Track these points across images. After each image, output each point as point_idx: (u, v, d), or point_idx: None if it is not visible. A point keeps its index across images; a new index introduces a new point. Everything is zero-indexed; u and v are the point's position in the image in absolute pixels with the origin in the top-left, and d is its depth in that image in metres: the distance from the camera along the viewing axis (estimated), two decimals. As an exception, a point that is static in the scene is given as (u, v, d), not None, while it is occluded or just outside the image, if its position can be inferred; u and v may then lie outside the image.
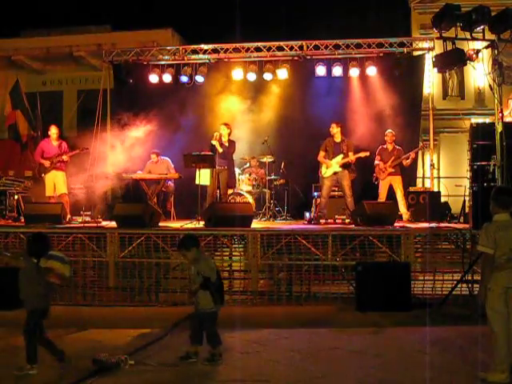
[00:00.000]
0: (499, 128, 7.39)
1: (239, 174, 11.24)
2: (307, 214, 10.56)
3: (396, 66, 11.93)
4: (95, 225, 8.83)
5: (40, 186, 10.51)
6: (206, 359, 4.88)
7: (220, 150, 10.01)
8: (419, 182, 13.76)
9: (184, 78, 12.28)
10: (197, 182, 9.45)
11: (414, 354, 5.23)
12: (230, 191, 10.49)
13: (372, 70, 11.78)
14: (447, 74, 17.81)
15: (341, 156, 9.68)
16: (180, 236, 7.57)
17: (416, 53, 12.31)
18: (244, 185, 11.27)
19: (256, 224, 8.97)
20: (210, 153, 9.78)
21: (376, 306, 6.80)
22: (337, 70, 11.90)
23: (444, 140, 18.27)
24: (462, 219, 9.69)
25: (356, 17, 19.87)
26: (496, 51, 7.41)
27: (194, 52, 12.50)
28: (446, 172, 17.16)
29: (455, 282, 7.21)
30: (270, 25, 20.39)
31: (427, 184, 13.12)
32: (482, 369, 4.46)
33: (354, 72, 11.85)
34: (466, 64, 7.92)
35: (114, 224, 8.37)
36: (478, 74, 16.87)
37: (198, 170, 9.45)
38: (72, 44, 18.16)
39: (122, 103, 12.42)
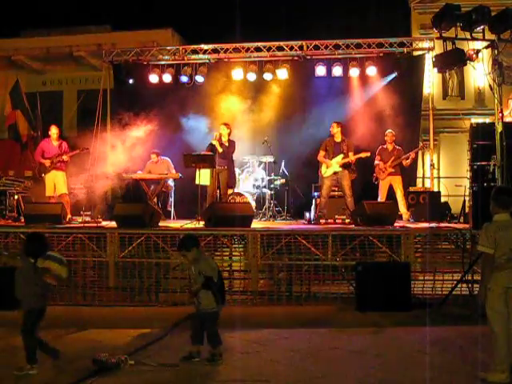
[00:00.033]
0: (499, 128, 7.39)
1: (239, 174, 11.24)
2: (307, 214, 10.56)
3: (396, 65, 11.93)
4: (95, 225, 8.83)
5: (40, 186, 10.51)
6: (206, 359, 4.88)
7: (220, 149, 10.01)
8: (419, 181, 13.76)
9: (184, 78, 12.29)
10: (197, 182, 9.45)
11: (414, 354, 5.23)
12: (229, 191, 10.48)
13: (372, 70, 11.79)
14: (447, 74, 17.80)
15: (341, 156, 9.69)
16: (180, 236, 7.59)
17: (416, 53, 12.31)
18: (244, 185, 11.27)
19: (256, 224, 8.97)
20: (210, 153, 9.78)
21: (376, 305, 6.80)
22: (337, 70, 11.90)
23: (444, 140, 18.27)
24: (462, 219, 9.69)
25: (356, 17, 19.87)
26: (496, 51, 7.40)
27: (194, 52, 12.51)
28: (445, 172, 17.16)
29: (455, 282, 7.21)
30: (270, 25, 20.39)
31: (427, 184, 13.12)
32: (482, 369, 4.46)
33: (354, 72, 11.85)
34: (465, 64, 7.92)
35: (114, 224, 8.37)
36: (478, 74, 16.86)
37: (198, 170, 9.45)
38: (72, 44, 18.16)
39: (122, 103, 12.42)
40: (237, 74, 12.09)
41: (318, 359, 5.11)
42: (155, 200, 10.67)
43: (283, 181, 11.35)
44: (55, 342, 5.49)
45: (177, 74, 12.32)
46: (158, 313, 7.17)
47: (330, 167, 9.74)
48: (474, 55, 7.71)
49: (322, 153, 9.84)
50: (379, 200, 10.09)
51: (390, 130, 10.59)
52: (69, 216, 9.67)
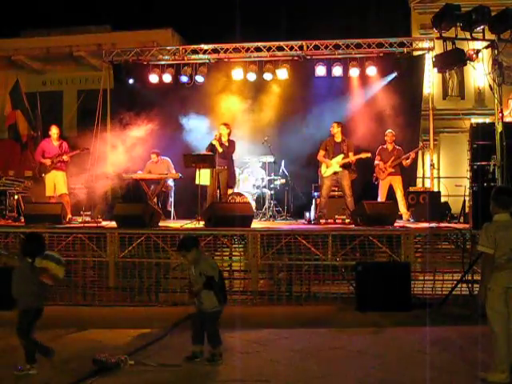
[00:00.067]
0: (499, 128, 7.39)
1: (239, 174, 11.24)
2: (307, 214, 10.56)
3: (396, 65, 11.93)
4: (95, 225, 8.83)
5: (40, 186, 10.51)
6: (206, 359, 4.88)
7: (220, 149, 10.01)
8: (419, 181, 13.76)
9: (184, 78, 12.29)
10: (197, 182, 9.45)
11: (414, 354, 5.23)
12: (229, 191, 10.49)
13: (372, 70, 11.79)
14: (447, 74, 17.80)
15: (341, 156, 9.69)
16: (180, 236, 7.59)
17: (416, 53, 12.31)
18: (244, 185, 11.27)
19: (256, 224, 8.97)
20: (210, 153, 9.78)
21: (376, 306, 6.80)
22: (337, 70, 11.90)
23: (444, 140, 18.26)
24: (462, 219, 9.68)
25: (356, 17, 19.89)
26: (496, 51, 7.40)
27: (194, 52, 12.50)
28: (445, 172, 17.16)
29: (455, 282, 7.21)
30: (270, 25, 20.42)
31: (427, 184, 13.12)
32: (482, 369, 4.46)
33: (354, 72, 11.85)
34: (465, 64, 7.92)
35: (114, 224, 8.37)
36: (478, 74, 16.87)
37: (198, 170, 9.45)
38: (72, 44, 18.15)
39: (122, 103, 12.42)
40: (237, 74, 12.09)
41: (318, 359, 5.10)
42: (155, 200, 10.67)
43: (283, 181, 11.35)
44: (55, 341, 5.51)
45: (177, 74, 12.32)
46: (158, 313, 7.17)
47: (330, 167, 9.74)
48: (474, 55, 7.71)
49: (321, 152, 9.84)
50: (379, 200, 10.09)
51: (389, 130, 10.59)
52: (69, 216, 9.67)
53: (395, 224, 8.41)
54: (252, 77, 12.09)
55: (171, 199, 11.29)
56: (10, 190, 10.95)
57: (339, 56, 11.96)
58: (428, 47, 11.78)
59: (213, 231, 7.90)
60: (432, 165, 12.16)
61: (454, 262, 7.61)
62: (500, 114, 7.57)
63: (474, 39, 7.59)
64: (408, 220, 9.84)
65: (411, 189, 10.72)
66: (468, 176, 7.98)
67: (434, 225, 8.60)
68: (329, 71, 11.92)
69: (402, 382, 4.52)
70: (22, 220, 9.23)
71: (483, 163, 7.47)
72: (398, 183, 10.23)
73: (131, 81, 12.73)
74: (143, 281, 7.84)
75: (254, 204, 10.80)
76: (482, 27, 7.43)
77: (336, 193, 10.55)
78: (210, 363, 4.84)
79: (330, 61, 11.96)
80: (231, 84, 12.23)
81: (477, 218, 7.18)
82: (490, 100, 12.99)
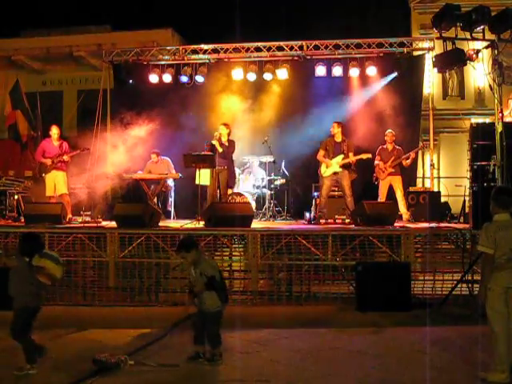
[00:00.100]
0: (499, 128, 7.39)
1: (239, 174, 11.24)
2: (307, 214, 10.55)
3: (396, 65, 11.93)
4: (95, 225, 8.83)
5: (40, 186, 10.51)
6: (206, 359, 4.88)
7: (220, 149, 10.02)
8: (419, 181, 13.76)
9: (184, 78, 12.29)
10: (197, 182, 9.45)
11: (413, 354, 5.24)
12: (229, 191, 10.49)
13: (372, 70, 11.79)
14: (447, 74, 17.81)
15: (341, 156, 9.69)
16: (180, 236, 7.60)
17: (416, 53, 12.31)
18: (244, 185, 11.27)
19: (256, 224, 8.97)
20: (210, 153, 9.78)
21: (376, 306, 6.80)
22: (337, 70, 11.90)
23: (444, 140, 18.27)
24: (462, 219, 9.69)
25: (356, 17, 19.87)
26: (496, 51, 7.40)
27: (194, 52, 12.50)
28: (445, 172, 17.17)
29: (455, 282, 7.21)
30: (270, 25, 20.42)
31: (427, 184, 13.12)
32: (482, 369, 4.46)
33: (354, 72, 11.85)
34: (465, 64, 7.92)
35: (114, 224, 8.37)
36: (478, 74, 16.87)
37: (198, 170, 9.45)
38: (72, 44, 18.16)
39: (122, 103, 12.41)
40: (237, 74, 12.09)
41: (318, 359, 5.11)
42: (155, 200, 10.68)
43: (283, 181, 11.35)
44: (55, 342, 5.52)
45: (177, 74, 12.32)
46: (158, 313, 7.17)
47: (330, 167, 9.74)
48: (474, 55, 7.71)
49: (321, 152, 9.84)
50: (379, 200, 10.08)
51: (390, 130, 10.58)
52: (69, 216, 9.67)
53: (395, 224, 8.41)
54: (252, 77, 12.09)
55: (171, 199, 11.29)
56: (10, 190, 10.96)
57: (339, 56, 11.95)
58: (428, 47, 11.78)
59: (213, 231, 7.90)
60: (432, 165, 12.16)
61: (454, 262, 7.61)
62: (500, 114, 7.57)
63: (474, 39, 7.58)
64: (408, 220, 9.84)
65: (411, 189, 10.72)
66: (468, 176, 7.98)
67: (434, 225, 8.60)
68: (329, 71, 11.92)
69: (402, 381, 4.52)
70: (22, 220, 9.23)
71: (483, 163, 7.47)
72: (398, 183, 10.23)
73: (131, 81, 12.74)
74: (143, 281, 7.84)
75: (253, 204, 10.79)
76: (482, 27, 7.43)
77: (336, 193, 10.55)
78: (210, 363, 4.83)
79: (329, 61, 11.95)
80: (231, 84, 12.22)
81: (477, 218, 7.18)
82: (490, 100, 12.99)
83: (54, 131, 10.23)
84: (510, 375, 4.27)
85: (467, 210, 9.12)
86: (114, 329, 6.33)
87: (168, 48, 13.11)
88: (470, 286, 7.24)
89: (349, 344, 5.57)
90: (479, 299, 4.45)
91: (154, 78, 12.31)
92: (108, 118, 12.33)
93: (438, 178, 14.70)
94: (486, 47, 7.68)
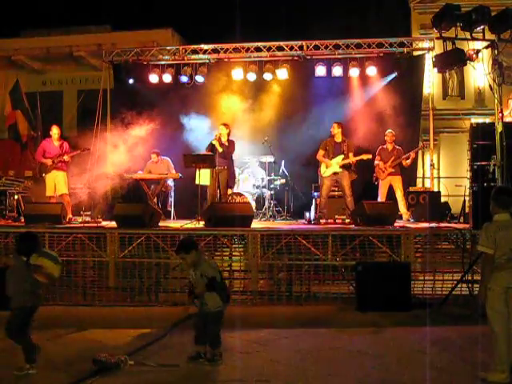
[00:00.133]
0: (499, 128, 7.39)
1: (239, 174, 11.24)
2: (307, 214, 10.55)
3: (396, 65, 11.93)
4: (95, 225, 8.83)
5: (40, 186, 10.52)
6: (206, 359, 4.87)
7: (220, 149, 10.02)
8: (419, 181, 13.77)
9: (184, 78, 12.29)
10: (197, 182, 9.45)
11: (413, 354, 5.24)
12: (229, 191, 10.49)
13: (372, 70, 11.79)
14: (447, 74, 17.81)
15: (341, 157, 9.69)
16: (180, 236, 7.60)
17: (416, 53, 12.31)
18: (244, 185, 11.27)
19: (256, 224, 8.97)
20: (210, 153, 9.78)
21: (376, 306, 6.80)
22: (337, 70, 11.91)
23: (444, 140, 18.28)
24: (462, 219, 9.69)
25: (356, 17, 19.87)
26: (496, 51, 7.40)
27: (194, 52, 12.50)
28: (445, 172, 17.18)
29: (455, 282, 7.21)
30: (270, 25, 20.43)
31: (427, 184, 13.12)
32: (482, 369, 4.46)
33: (354, 72, 11.85)
34: (465, 64, 7.91)
35: (114, 224, 8.37)
36: (478, 74, 16.88)
37: (198, 170, 9.45)
38: (72, 44, 18.17)
39: (122, 103, 12.41)
40: (237, 74, 12.09)
41: (318, 359, 5.10)
42: (155, 200, 10.68)
43: (283, 181, 11.35)
44: (55, 342, 5.52)
45: (177, 74, 12.32)
46: (158, 313, 7.16)
47: (330, 167, 9.75)
48: (474, 55, 7.71)
49: (321, 152, 9.84)
50: (379, 200, 10.09)
51: (390, 130, 10.58)
52: (69, 216, 9.67)
53: (395, 224, 8.41)
54: (252, 77, 12.10)
55: (171, 199, 11.30)
56: (10, 190, 10.96)
57: (339, 56, 11.96)
58: (428, 47, 11.78)
59: (213, 231, 7.90)
60: (432, 165, 12.16)
61: (454, 262, 7.61)
62: (500, 114, 7.57)
63: (474, 39, 7.58)
64: (408, 220, 9.84)
65: (411, 189, 10.72)
66: (468, 176, 7.98)
67: (434, 225, 8.60)
68: (329, 71, 11.92)
69: (402, 381, 4.52)
70: (22, 220, 9.23)
71: (483, 163, 7.47)
72: (398, 183, 10.23)
73: (131, 81, 12.73)
74: (143, 281, 7.84)
75: (253, 204, 10.79)
76: (482, 27, 7.43)
77: (336, 193, 10.55)
78: (210, 363, 4.83)
79: (329, 61, 11.96)
80: (231, 84, 12.22)
81: (477, 218, 7.18)
82: (490, 100, 13.00)
83: (55, 131, 10.23)
84: (510, 375, 4.27)
85: (467, 209, 9.12)
86: (114, 329, 6.33)
87: (168, 48, 13.10)
88: (470, 285, 7.24)
89: (349, 344, 5.57)
90: (479, 299, 4.44)
91: (153, 78, 12.31)
92: (108, 117, 12.33)
93: (438, 177, 14.71)
94: (486, 47, 7.68)
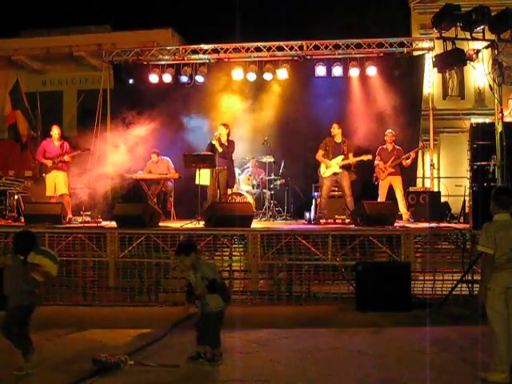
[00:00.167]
0: (499, 128, 7.39)
1: (239, 174, 11.24)
2: (307, 214, 10.55)
3: (396, 65, 11.93)
4: (95, 225, 8.82)
5: (40, 186, 10.52)
6: (206, 359, 4.87)
7: (220, 149, 10.02)
8: (419, 181, 13.77)
9: (184, 78, 12.29)
10: (197, 182, 9.45)
11: (413, 354, 5.24)
12: (229, 191, 10.49)
13: (372, 70, 11.79)
14: (447, 74, 17.82)
15: (341, 157, 9.69)
16: (180, 236, 7.60)
17: (416, 53, 12.31)
18: (244, 185, 11.27)
19: (256, 224, 8.97)
20: (210, 153, 9.78)
21: (376, 306, 6.80)
22: (337, 70, 11.90)
23: (444, 140, 18.28)
24: (462, 219, 9.69)
25: (356, 17, 19.86)
26: (496, 51, 7.41)
27: (194, 52, 12.50)
28: (445, 172, 17.18)
29: (455, 282, 7.21)
30: (270, 25, 20.43)
31: (427, 184, 13.12)
32: (482, 369, 4.47)
33: (354, 72, 11.85)
34: (465, 64, 7.92)
35: (114, 224, 8.37)
36: (478, 74, 16.88)
37: (198, 170, 9.45)
38: (72, 44, 18.17)
39: (122, 103, 12.41)
40: (237, 74, 12.09)
41: (318, 359, 5.10)
42: (155, 200, 10.67)
43: (283, 181, 11.35)
44: (55, 342, 5.52)
45: (177, 73, 12.32)
46: (158, 313, 7.16)
47: (330, 168, 9.74)
48: (474, 55, 7.71)
49: (321, 152, 9.84)
50: (379, 200, 10.09)
51: (389, 130, 10.58)
52: (69, 216, 9.67)
53: (395, 224, 8.41)
54: (252, 77, 12.09)
55: (171, 199, 11.29)
56: (10, 190, 10.96)
57: (339, 56, 11.95)
58: (428, 47, 11.78)
59: (213, 231, 7.90)
60: (432, 165, 12.16)
61: (454, 262, 7.61)
62: (500, 114, 7.57)
63: (474, 39, 7.58)
64: (408, 220, 9.84)
65: (411, 189, 10.71)
66: (468, 176, 7.98)
67: (434, 225, 8.60)
68: (329, 71, 11.92)
69: (402, 381, 4.52)
70: (22, 220, 9.23)
71: (483, 163, 7.47)
72: (397, 183, 10.22)
73: (131, 81, 12.73)
74: (143, 281, 7.84)
75: (253, 204, 10.79)
76: (482, 27, 7.43)
77: (336, 193, 10.55)
78: (210, 363, 4.84)
79: (329, 61, 11.96)
80: (231, 84, 12.22)
81: (477, 218, 7.19)
82: (490, 100, 13.00)
83: (55, 131, 10.23)
84: (510, 375, 4.27)
85: (467, 209, 9.12)
86: (114, 329, 6.33)
87: (168, 48, 13.10)
88: (470, 286, 7.24)
89: (349, 344, 5.57)
90: (479, 299, 4.44)
91: (154, 78, 12.31)
92: (108, 118, 12.32)
93: (438, 177, 14.70)
94: (486, 47, 7.68)
